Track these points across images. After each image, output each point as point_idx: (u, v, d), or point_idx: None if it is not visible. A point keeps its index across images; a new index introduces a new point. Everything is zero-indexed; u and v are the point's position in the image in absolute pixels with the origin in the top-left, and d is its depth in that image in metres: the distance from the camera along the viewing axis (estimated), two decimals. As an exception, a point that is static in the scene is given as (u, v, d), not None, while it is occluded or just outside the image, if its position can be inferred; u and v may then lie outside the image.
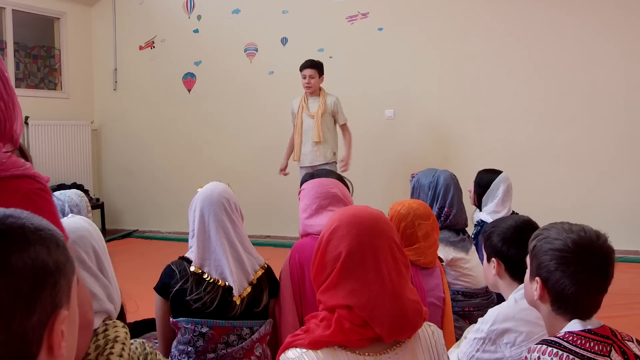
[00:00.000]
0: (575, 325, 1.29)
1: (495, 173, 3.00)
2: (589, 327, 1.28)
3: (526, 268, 1.70)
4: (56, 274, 0.69)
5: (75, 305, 0.75)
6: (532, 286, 1.38)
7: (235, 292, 1.81)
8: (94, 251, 1.26)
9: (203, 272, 1.84)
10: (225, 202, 1.87)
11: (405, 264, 1.24)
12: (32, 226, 0.69)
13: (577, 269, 1.28)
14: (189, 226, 1.92)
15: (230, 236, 1.86)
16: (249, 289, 1.85)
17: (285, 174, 4.82)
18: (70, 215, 1.35)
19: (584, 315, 1.30)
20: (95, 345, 1.06)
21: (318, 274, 1.24)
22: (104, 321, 1.12)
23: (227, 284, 1.82)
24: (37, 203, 1.03)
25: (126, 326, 1.16)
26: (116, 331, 1.09)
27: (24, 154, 1.13)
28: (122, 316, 1.31)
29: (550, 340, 1.26)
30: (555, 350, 1.22)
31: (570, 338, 1.25)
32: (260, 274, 1.90)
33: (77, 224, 1.27)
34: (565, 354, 1.21)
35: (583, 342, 1.24)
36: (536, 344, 1.27)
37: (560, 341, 1.24)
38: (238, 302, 1.81)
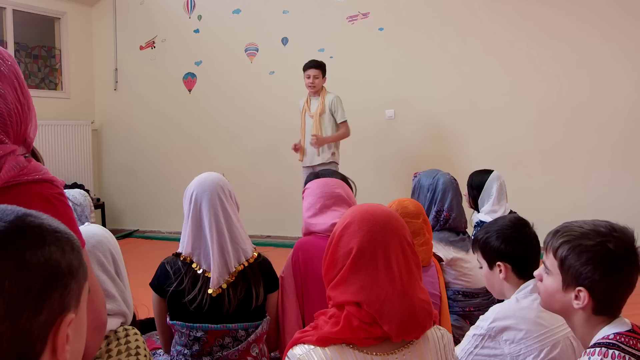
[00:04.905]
0: (619, 326, 1.27)
1: (486, 173, 2.99)
2: (629, 327, 1.27)
3: (532, 264, 1.71)
4: (68, 276, 0.69)
5: (84, 312, 0.75)
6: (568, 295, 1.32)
7: (211, 284, 1.76)
8: (111, 256, 1.32)
9: (192, 262, 1.81)
10: (219, 189, 1.84)
11: (417, 263, 1.24)
12: (49, 227, 0.70)
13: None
14: (184, 215, 1.88)
15: (220, 224, 1.81)
16: (229, 281, 1.78)
17: (297, 149, 4.67)
18: (86, 223, 1.40)
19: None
20: (118, 349, 1.09)
21: (329, 269, 1.24)
22: (122, 325, 1.15)
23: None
24: (58, 207, 1.05)
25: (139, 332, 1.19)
26: (136, 339, 1.12)
27: (36, 156, 1.14)
28: (133, 321, 1.34)
29: (607, 342, 1.23)
30: (617, 352, 1.21)
31: (622, 339, 1.23)
32: (241, 267, 1.82)
33: (95, 230, 1.33)
34: (627, 356, 1.20)
35: (634, 342, 1.24)
36: (591, 347, 1.24)
37: (618, 343, 1.22)
38: (214, 295, 1.75)
